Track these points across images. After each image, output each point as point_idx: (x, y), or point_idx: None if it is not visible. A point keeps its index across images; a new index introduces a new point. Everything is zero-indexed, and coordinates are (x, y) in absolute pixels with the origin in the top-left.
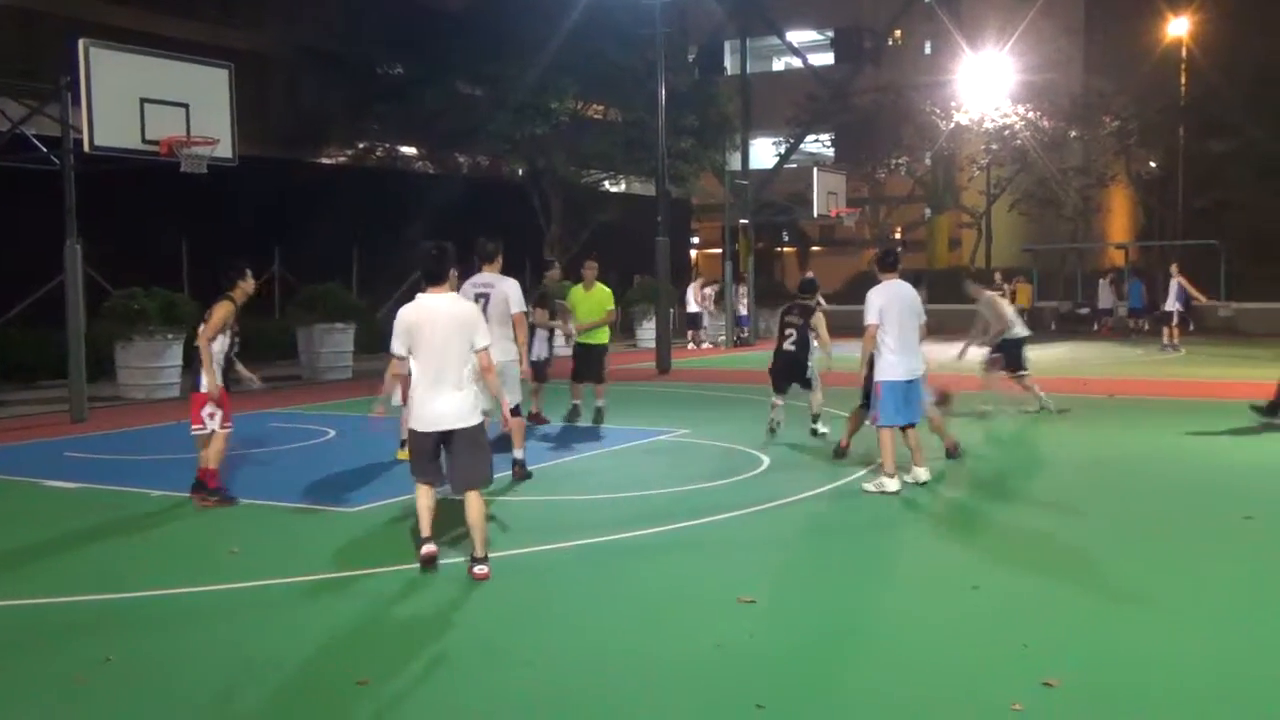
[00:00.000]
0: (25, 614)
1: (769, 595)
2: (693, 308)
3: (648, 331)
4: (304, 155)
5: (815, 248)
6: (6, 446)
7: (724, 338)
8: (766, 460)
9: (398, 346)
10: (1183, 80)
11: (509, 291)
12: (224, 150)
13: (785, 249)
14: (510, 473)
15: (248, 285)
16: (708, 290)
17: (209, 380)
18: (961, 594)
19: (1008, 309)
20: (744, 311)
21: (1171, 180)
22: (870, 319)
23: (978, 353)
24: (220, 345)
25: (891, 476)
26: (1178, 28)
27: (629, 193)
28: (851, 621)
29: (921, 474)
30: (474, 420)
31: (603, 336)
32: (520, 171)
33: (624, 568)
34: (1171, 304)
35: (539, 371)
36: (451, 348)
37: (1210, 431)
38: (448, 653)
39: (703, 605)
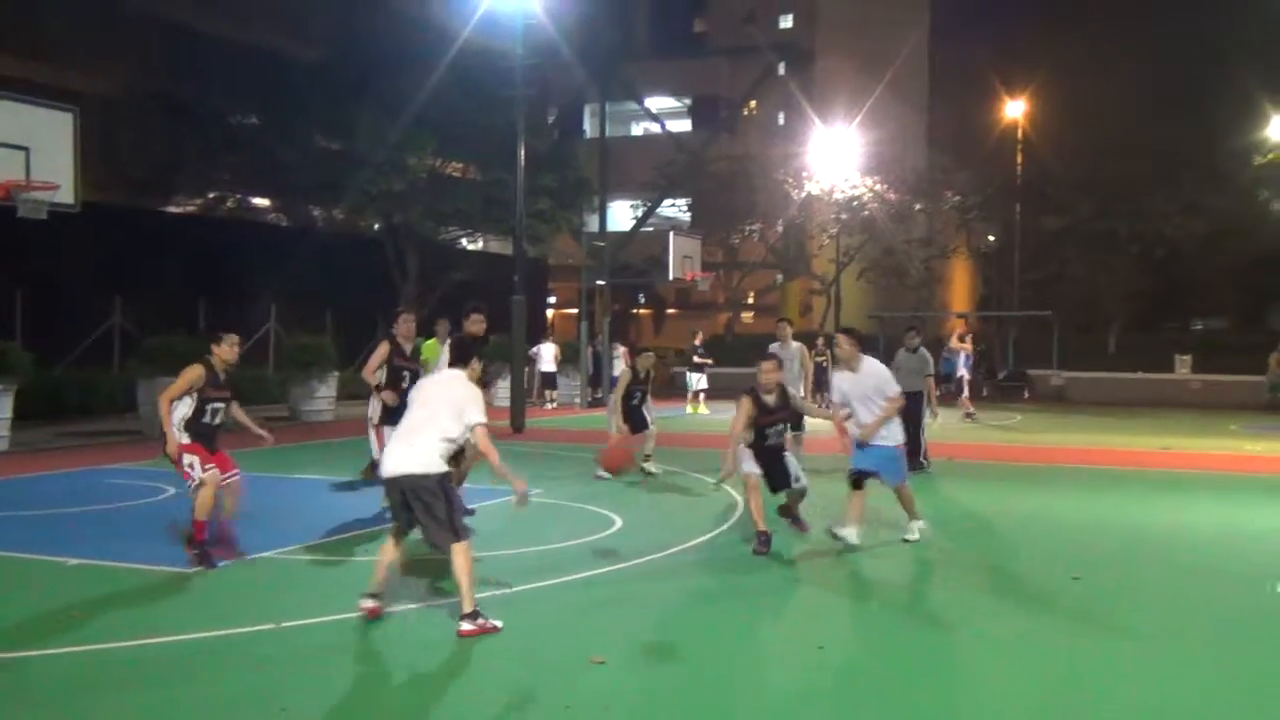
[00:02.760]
0: None
1: (622, 654)
2: (547, 367)
3: (502, 390)
4: (151, 203)
5: (671, 310)
6: None
7: (578, 398)
8: (619, 520)
9: None
10: (1019, 159)
11: None
12: (65, 196)
13: (641, 310)
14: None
15: (222, 351)
16: (539, 349)
17: (169, 439)
18: (807, 654)
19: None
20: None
21: (1008, 253)
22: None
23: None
24: (184, 409)
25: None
26: (1014, 110)
27: (486, 251)
28: (706, 680)
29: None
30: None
31: None
32: (376, 226)
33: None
34: (960, 370)
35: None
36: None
37: (1048, 494)
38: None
39: (554, 667)
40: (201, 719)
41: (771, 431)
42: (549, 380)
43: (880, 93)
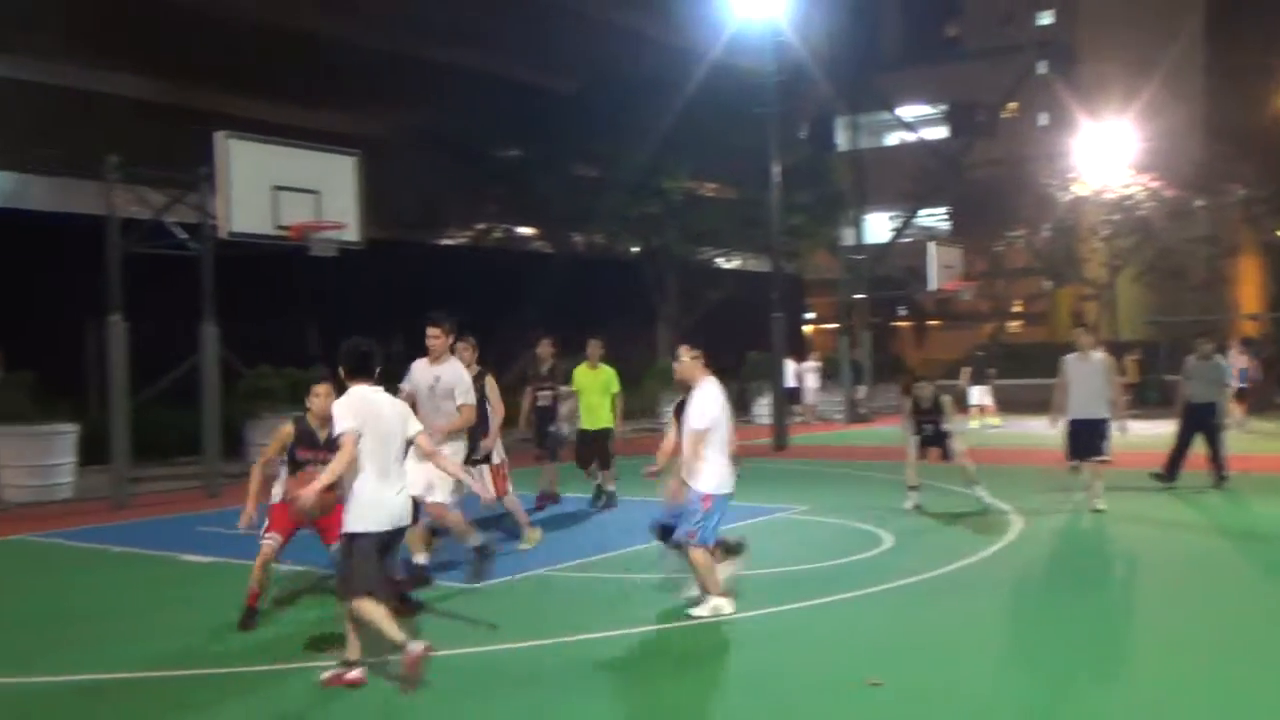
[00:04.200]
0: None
1: (899, 678)
2: (808, 383)
3: (763, 408)
4: (423, 238)
5: (932, 321)
6: (147, 521)
7: (840, 414)
8: (889, 538)
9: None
10: None
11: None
12: (351, 234)
13: (901, 323)
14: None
15: (313, 404)
16: (805, 365)
17: (247, 510)
18: (1095, 682)
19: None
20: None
21: None
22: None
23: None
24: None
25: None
26: None
27: (742, 269)
28: (986, 706)
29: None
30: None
31: (607, 420)
32: (635, 249)
33: (744, 648)
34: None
35: (555, 449)
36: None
37: None
38: None
39: (829, 688)
40: None
41: (928, 427)
42: (802, 395)
43: (1151, 84)
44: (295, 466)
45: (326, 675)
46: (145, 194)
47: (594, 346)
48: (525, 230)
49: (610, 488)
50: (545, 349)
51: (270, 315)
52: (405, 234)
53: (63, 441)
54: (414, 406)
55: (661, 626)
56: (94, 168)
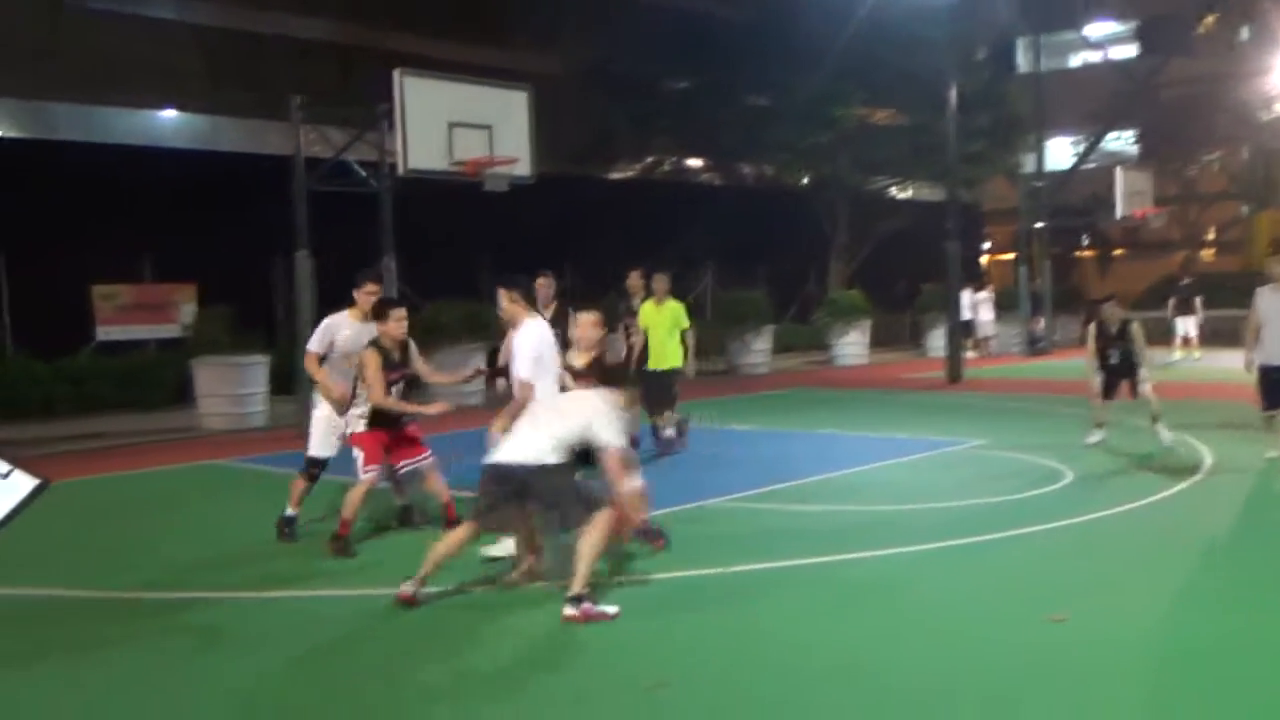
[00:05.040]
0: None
1: (1081, 613)
2: (982, 315)
3: (937, 340)
4: (593, 171)
5: (1117, 251)
6: None
7: (1018, 347)
8: (1070, 473)
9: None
10: None
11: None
12: (523, 169)
13: (1084, 252)
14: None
15: (389, 328)
16: (980, 295)
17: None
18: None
19: None
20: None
21: None
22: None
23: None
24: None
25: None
26: None
27: (916, 199)
28: (1177, 642)
29: None
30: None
31: (676, 359)
32: (805, 180)
33: (921, 582)
34: None
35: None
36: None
37: None
38: (760, 656)
39: (1009, 623)
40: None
41: (1114, 353)
42: (976, 328)
43: None
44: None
45: (573, 612)
46: (327, 133)
47: (660, 280)
48: (694, 162)
49: (670, 432)
50: (635, 281)
51: (444, 250)
52: (575, 169)
53: (256, 372)
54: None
55: (833, 558)
56: (280, 109)
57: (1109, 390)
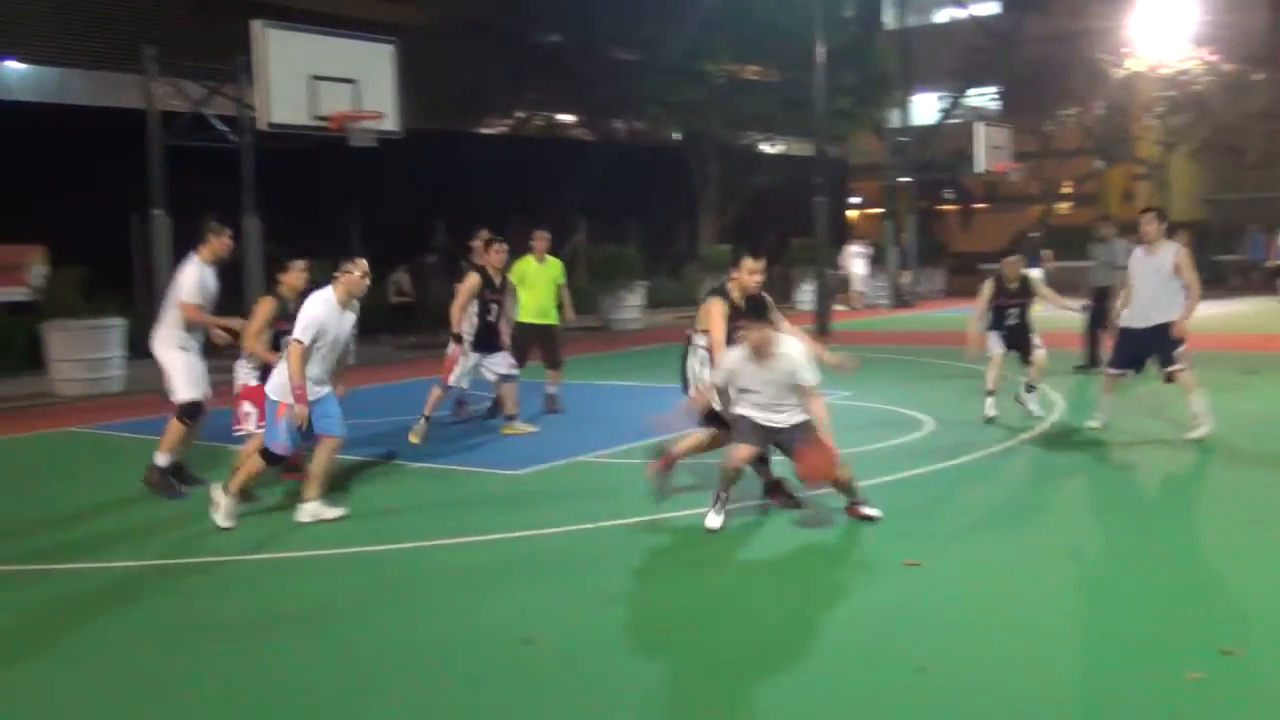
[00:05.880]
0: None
1: (935, 560)
2: (856, 269)
3: (805, 294)
4: (463, 126)
5: (978, 205)
6: None
7: (884, 299)
8: (929, 421)
9: None
10: None
11: None
12: (390, 123)
13: (947, 206)
14: None
15: (289, 279)
16: (854, 249)
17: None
18: (1139, 557)
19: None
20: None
21: None
22: None
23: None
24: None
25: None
26: None
27: (786, 154)
28: (1019, 586)
29: None
30: None
31: (553, 315)
32: (677, 135)
33: (783, 532)
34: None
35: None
36: None
37: None
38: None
39: (868, 568)
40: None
41: (1013, 313)
42: (850, 281)
43: None
44: (276, 340)
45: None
46: (184, 86)
47: (540, 238)
48: (566, 117)
49: (553, 389)
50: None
51: (310, 208)
52: (445, 123)
53: (111, 335)
54: None
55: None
56: (132, 60)
57: (1007, 348)
